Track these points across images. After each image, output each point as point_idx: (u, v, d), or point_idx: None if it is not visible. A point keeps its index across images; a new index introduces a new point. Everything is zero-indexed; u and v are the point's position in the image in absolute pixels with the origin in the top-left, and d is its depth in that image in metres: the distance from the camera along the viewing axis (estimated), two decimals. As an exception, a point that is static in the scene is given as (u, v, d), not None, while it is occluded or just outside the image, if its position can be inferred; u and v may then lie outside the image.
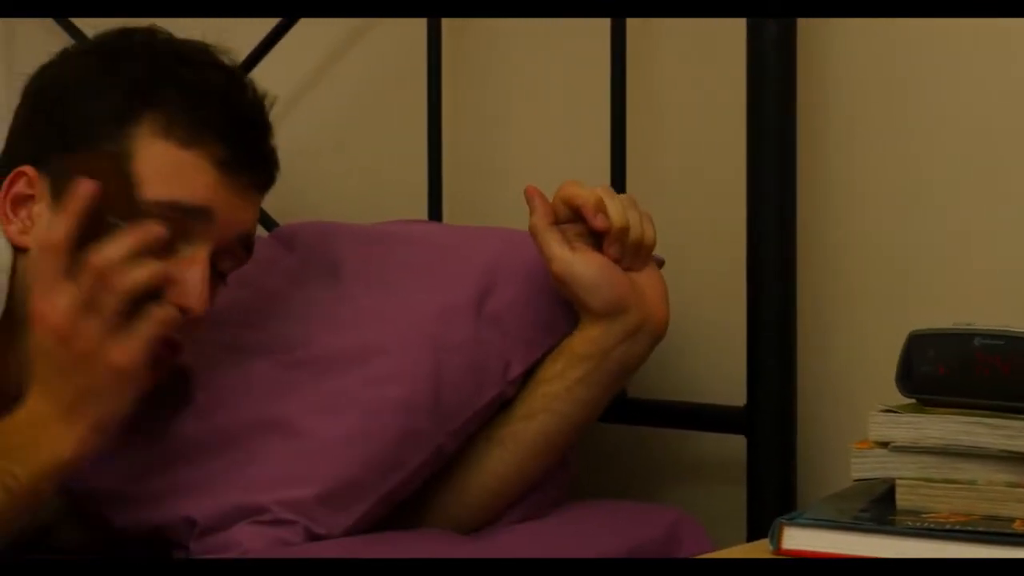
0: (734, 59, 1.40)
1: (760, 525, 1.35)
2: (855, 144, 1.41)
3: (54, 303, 1.11)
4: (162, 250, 1.19)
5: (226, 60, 1.31)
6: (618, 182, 1.47)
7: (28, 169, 1.24)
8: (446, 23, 1.59)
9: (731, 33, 1.41)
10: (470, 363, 1.28)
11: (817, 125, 1.42)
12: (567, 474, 1.37)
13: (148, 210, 1.19)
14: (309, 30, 1.69)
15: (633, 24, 1.48)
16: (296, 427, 1.24)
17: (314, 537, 1.19)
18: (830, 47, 1.41)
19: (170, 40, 1.30)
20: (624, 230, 1.27)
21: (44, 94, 1.29)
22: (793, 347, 1.38)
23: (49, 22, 1.86)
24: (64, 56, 1.31)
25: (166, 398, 1.26)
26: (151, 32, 1.31)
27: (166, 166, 1.22)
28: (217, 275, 1.26)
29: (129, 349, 1.12)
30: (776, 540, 1.09)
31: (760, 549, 1.11)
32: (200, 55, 1.29)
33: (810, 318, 1.41)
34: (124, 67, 1.26)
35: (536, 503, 1.33)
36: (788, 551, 1.08)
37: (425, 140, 1.59)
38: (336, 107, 1.73)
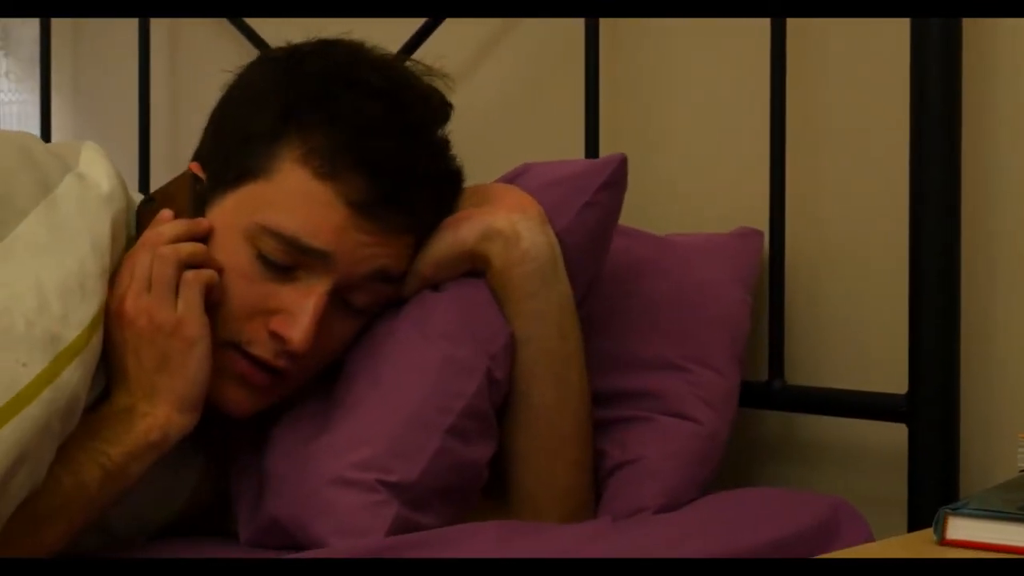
0: (897, 59, 1.38)
1: (921, 515, 1.33)
2: (1021, 138, 1.38)
3: (117, 295, 1.18)
4: (281, 276, 1.21)
5: (416, 83, 1.27)
6: (777, 181, 1.45)
7: (194, 166, 1.27)
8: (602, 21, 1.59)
9: (894, 32, 1.40)
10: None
11: (983, 123, 1.38)
12: (715, 456, 1.36)
13: (268, 235, 1.20)
14: (456, 28, 1.70)
15: (793, 24, 1.46)
16: (351, 401, 1.24)
17: (390, 485, 1.18)
18: (995, 46, 1.38)
19: (350, 58, 1.27)
20: None
21: (223, 100, 1.30)
22: (956, 333, 1.36)
23: (210, 22, 1.90)
24: (251, 64, 1.32)
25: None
26: (332, 46, 1.28)
27: (296, 197, 1.21)
28: (349, 309, 1.25)
29: (184, 315, 1.18)
30: (940, 530, 1.07)
31: (923, 539, 1.09)
32: (378, 80, 1.25)
33: (973, 304, 1.39)
34: (287, 84, 1.25)
35: (680, 484, 1.32)
36: (953, 541, 1.06)
37: (583, 141, 1.59)
38: (484, 107, 1.73)
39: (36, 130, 2.04)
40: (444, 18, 1.67)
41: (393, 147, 1.23)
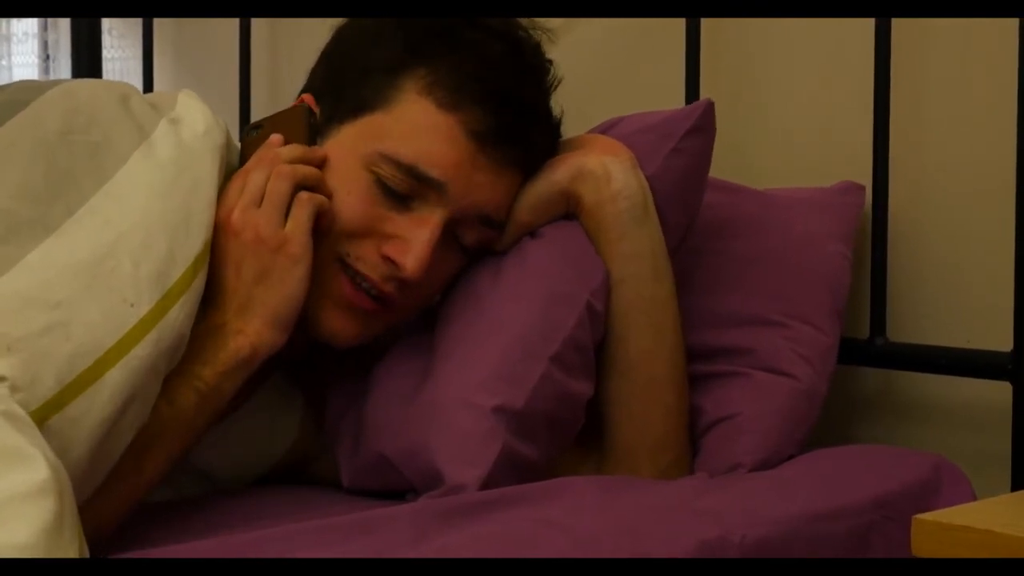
0: (1005, 60, 1.36)
1: (1026, 475, 1.32)
2: None
3: (226, 207, 1.18)
4: (397, 204, 1.22)
5: (527, 32, 1.29)
6: (881, 136, 1.43)
7: (307, 97, 1.28)
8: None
9: (1002, 33, 1.37)
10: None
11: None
12: (812, 413, 1.34)
13: (388, 163, 1.21)
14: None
15: (899, 24, 1.44)
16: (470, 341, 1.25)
17: (499, 409, 1.19)
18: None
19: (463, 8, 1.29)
20: None
21: (338, 37, 1.31)
22: (1063, 290, 1.33)
23: None
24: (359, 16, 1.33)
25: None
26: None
27: (418, 126, 1.22)
28: (456, 246, 1.26)
29: (292, 232, 1.18)
30: (1046, 488, 1.05)
31: (1027, 498, 1.07)
32: (495, 23, 1.27)
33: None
34: (410, 23, 1.27)
35: (777, 441, 1.31)
36: (1058, 500, 1.05)
37: (683, 99, 1.57)
38: (582, 63, 1.70)
39: (138, 87, 2.06)
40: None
41: (515, 83, 1.25)
